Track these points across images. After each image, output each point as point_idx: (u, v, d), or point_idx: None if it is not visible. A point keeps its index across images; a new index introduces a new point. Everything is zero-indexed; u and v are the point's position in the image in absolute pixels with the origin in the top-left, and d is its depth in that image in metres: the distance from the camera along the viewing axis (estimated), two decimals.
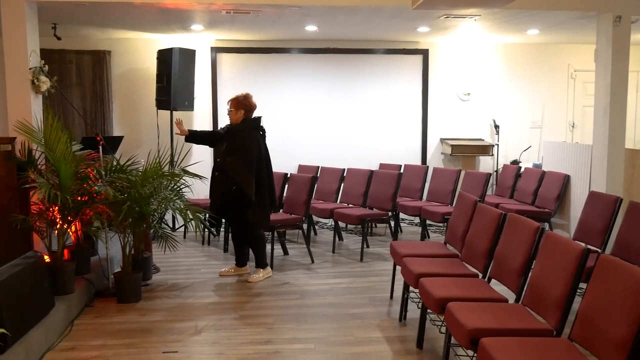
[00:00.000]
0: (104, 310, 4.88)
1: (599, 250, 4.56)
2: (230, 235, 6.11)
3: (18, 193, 4.80)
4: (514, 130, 8.89)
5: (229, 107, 5.73)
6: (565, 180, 6.77)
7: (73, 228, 5.15)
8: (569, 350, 2.80)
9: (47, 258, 4.68)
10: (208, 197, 6.06)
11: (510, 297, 3.59)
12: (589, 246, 3.13)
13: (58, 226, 4.81)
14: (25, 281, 3.93)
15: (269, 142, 8.68)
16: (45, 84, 5.37)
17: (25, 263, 4.03)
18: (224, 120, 8.34)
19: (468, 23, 7.02)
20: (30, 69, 5.28)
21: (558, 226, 7.03)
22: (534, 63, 8.87)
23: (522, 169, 7.74)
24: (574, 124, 9.01)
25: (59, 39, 7.07)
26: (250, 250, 5.87)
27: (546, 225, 6.73)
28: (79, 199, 4.87)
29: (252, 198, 5.50)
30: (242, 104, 5.68)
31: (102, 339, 4.23)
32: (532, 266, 3.49)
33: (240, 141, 5.58)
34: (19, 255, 4.14)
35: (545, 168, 7.35)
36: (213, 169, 5.80)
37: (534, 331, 3.05)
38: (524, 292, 3.47)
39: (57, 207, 4.72)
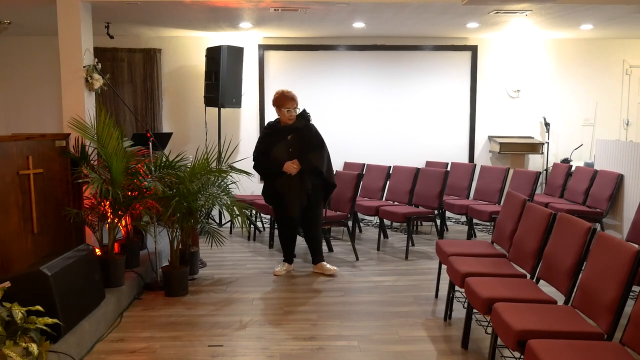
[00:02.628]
0: (152, 303, 4.98)
1: None
2: (277, 232, 6.09)
3: (71, 187, 4.94)
4: (565, 128, 8.68)
5: (293, 107, 5.55)
6: (619, 179, 6.57)
7: (123, 222, 5.28)
8: (620, 354, 2.72)
9: (98, 251, 4.80)
10: (264, 200, 5.93)
11: (560, 298, 3.51)
12: None
13: (109, 220, 4.93)
14: (78, 273, 4.05)
15: None
16: (98, 81, 5.50)
17: (78, 256, 4.14)
18: (271, 118, 8.41)
19: (519, 18, 6.88)
20: (84, 67, 5.42)
21: (610, 227, 6.83)
22: (586, 59, 8.64)
23: (573, 168, 7.55)
24: (628, 121, 8.74)
25: (111, 37, 7.26)
26: (310, 245, 5.95)
27: (598, 226, 6.54)
28: (129, 194, 4.98)
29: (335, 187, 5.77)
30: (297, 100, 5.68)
31: (150, 331, 4.33)
32: (583, 267, 3.41)
33: (314, 136, 5.65)
34: (72, 248, 4.27)
35: (597, 167, 7.15)
36: (282, 175, 5.58)
37: (583, 334, 2.97)
38: (573, 293, 3.39)
39: (108, 202, 4.84)
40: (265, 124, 5.81)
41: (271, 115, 8.40)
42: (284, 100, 5.57)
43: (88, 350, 3.96)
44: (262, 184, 5.92)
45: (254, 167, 5.75)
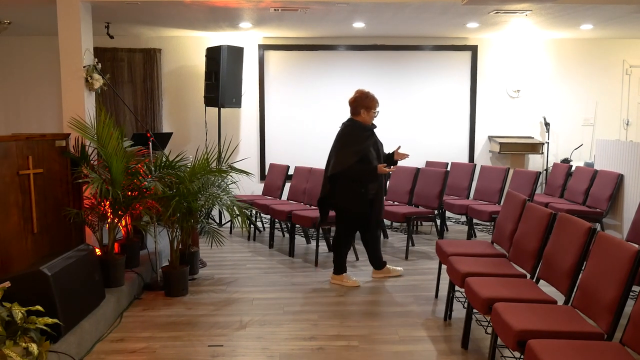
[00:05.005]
0: (152, 303, 4.98)
1: None
2: (339, 240, 5.62)
3: (71, 187, 4.94)
4: (565, 128, 8.68)
5: (378, 109, 5.45)
6: (619, 179, 6.57)
7: (123, 222, 5.28)
8: (620, 354, 2.72)
9: (98, 251, 4.80)
10: (358, 209, 5.41)
11: (559, 298, 3.50)
12: None
13: (109, 220, 4.93)
14: (78, 273, 4.05)
15: (316, 138, 8.72)
16: (98, 81, 5.50)
17: (78, 256, 4.14)
18: (271, 118, 8.44)
19: (519, 18, 6.88)
20: (84, 67, 5.41)
21: (610, 227, 6.83)
22: (586, 59, 8.64)
23: (573, 168, 7.55)
24: (628, 121, 8.74)
25: (111, 37, 7.25)
26: (337, 253, 5.60)
27: (598, 226, 6.54)
28: (129, 194, 4.98)
29: None
30: None
31: (150, 331, 4.32)
32: (583, 267, 3.41)
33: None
34: (72, 248, 4.27)
35: (597, 167, 7.14)
36: (377, 178, 5.39)
37: (583, 334, 2.97)
38: (573, 293, 3.39)
39: (108, 202, 4.84)
40: (355, 125, 5.36)
41: (272, 115, 8.45)
42: (374, 102, 5.37)
43: (88, 350, 3.96)
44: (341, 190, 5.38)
45: (363, 170, 5.26)
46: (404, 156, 5.49)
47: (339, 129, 5.50)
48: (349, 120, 5.46)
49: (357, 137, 5.33)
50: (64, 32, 5.38)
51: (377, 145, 5.45)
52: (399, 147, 5.59)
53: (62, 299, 3.70)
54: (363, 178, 5.30)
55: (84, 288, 4.10)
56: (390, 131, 8.56)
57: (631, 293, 2.95)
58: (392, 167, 5.47)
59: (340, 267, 5.54)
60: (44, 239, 4.57)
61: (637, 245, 3.01)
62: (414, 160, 8.27)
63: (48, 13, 5.93)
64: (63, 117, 5.36)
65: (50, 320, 3.35)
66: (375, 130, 5.46)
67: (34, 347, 3.13)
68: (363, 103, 5.34)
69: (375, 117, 5.41)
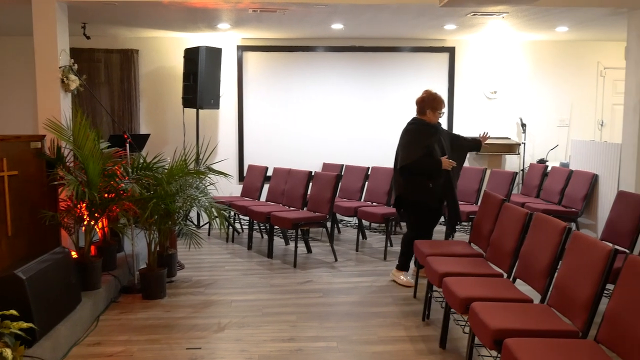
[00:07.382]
0: (129, 306, 4.94)
1: (627, 251, 4.48)
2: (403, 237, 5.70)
3: (47, 190, 4.88)
4: (541, 128, 8.78)
5: (444, 110, 5.56)
6: (593, 179, 6.66)
7: (100, 225, 5.22)
8: (595, 352, 2.76)
9: (74, 254, 4.74)
10: (430, 204, 5.50)
11: (536, 297, 3.54)
12: (617, 247, 3.07)
13: (85, 223, 4.88)
14: (53, 276, 3.99)
15: (295, 140, 8.71)
16: (74, 82, 5.45)
17: (54, 259, 4.09)
18: (249, 119, 8.42)
19: (496, 20, 6.95)
20: (60, 67, 5.36)
21: (585, 226, 6.92)
22: (562, 60, 8.74)
23: (549, 168, 7.64)
24: (602, 122, 8.87)
25: (88, 38, 7.17)
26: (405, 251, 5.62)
27: (573, 225, 6.63)
28: (106, 196, 4.93)
29: None
30: None
31: (127, 335, 4.29)
32: (558, 266, 3.45)
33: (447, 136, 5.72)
34: (48, 251, 4.21)
35: (572, 167, 7.24)
36: (441, 174, 5.41)
37: (559, 332, 3.01)
38: (549, 292, 3.43)
39: (84, 204, 4.79)
40: (421, 123, 5.49)
41: (250, 116, 8.43)
42: (441, 103, 5.50)
43: (64, 354, 3.91)
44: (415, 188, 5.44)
45: (428, 163, 5.32)
46: (449, 164, 5.41)
47: (404, 128, 5.67)
48: (414, 119, 5.63)
49: (422, 133, 5.46)
50: (40, 33, 5.32)
51: (442, 142, 5.51)
52: (485, 133, 5.88)
53: (38, 302, 3.65)
54: (428, 171, 5.39)
55: (59, 291, 4.05)
56: (368, 132, 8.61)
57: (605, 291, 2.99)
58: (453, 161, 5.47)
59: (404, 264, 5.59)
60: (19, 242, 4.50)
61: (611, 245, 3.05)
62: (392, 161, 8.30)
63: (23, 13, 5.85)
64: (38, 119, 5.30)
65: (25, 325, 3.31)
66: (438, 127, 5.60)
67: (8, 352, 3.08)
68: (430, 104, 5.49)
69: (440, 117, 5.56)
